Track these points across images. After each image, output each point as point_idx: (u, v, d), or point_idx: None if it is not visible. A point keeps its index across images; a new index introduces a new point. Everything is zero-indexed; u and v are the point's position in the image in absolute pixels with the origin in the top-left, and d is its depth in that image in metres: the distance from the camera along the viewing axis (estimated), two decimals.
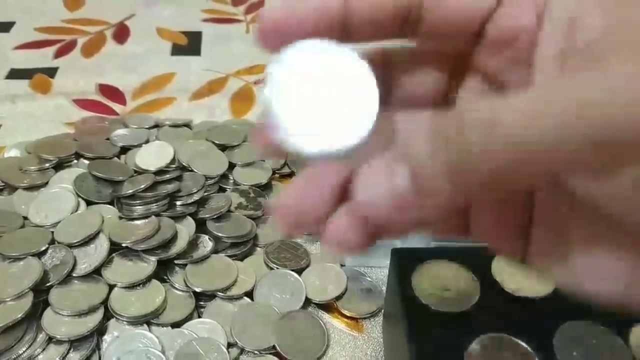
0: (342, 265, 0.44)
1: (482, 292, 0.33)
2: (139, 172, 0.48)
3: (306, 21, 0.18)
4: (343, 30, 0.18)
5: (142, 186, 0.46)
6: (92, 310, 0.39)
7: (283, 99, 0.18)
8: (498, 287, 0.33)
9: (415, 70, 0.21)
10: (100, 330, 0.39)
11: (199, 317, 0.40)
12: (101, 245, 0.42)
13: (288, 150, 0.17)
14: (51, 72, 0.66)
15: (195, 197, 0.46)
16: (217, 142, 0.53)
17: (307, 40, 0.18)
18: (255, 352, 0.38)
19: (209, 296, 0.41)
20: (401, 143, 0.15)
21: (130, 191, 0.45)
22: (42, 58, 0.69)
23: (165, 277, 0.42)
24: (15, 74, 0.66)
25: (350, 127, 0.17)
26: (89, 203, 0.46)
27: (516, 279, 0.33)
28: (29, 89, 0.64)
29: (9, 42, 0.71)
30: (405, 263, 0.34)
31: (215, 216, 0.46)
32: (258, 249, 0.46)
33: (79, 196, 0.46)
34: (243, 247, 0.45)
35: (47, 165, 0.49)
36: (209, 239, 0.44)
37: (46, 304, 0.39)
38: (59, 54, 0.70)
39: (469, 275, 0.33)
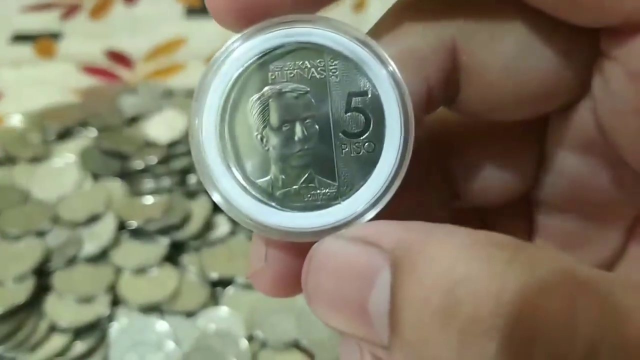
0: None
1: None
2: (150, 144, 0.44)
3: None
4: None
5: (154, 160, 0.42)
6: (98, 295, 0.36)
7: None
8: None
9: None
10: (107, 318, 0.36)
11: (216, 305, 0.37)
12: (108, 225, 0.39)
13: None
14: (56, 35, 0.62)
15: None
16: None
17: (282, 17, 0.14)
18: (277, 345, 0.35)
19: (226, 282, 0.38)
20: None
21: (141, 166, 0.42)
22: (47, 21, 0.65)
23: (178, 261, 0.38)
24: (18, 38, 0.62)
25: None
26: (95, 177, 0.43)
27: None
28: (33, 53, 0.60)
29: (13, 4, 0.67)
30: None
31: None
32: None
33: (85, 170, 0.43)
34: None
35: (51, 135, 0.45)
36: (226, 219, 0.40)
37: (49, 288, 0.36)
38: (64, 16, 0.65)
39: None
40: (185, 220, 0.39)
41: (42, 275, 0.37)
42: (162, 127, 0.46)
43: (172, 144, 0.44)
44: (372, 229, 0.14)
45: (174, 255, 0.39)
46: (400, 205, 0.15)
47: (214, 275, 0.37)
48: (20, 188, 0.42)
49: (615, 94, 0.15)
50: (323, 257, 0.14)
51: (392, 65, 0.15)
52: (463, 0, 0.16)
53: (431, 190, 0.19)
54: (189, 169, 0.42)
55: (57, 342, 0.34)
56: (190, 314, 0.36)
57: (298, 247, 0.15)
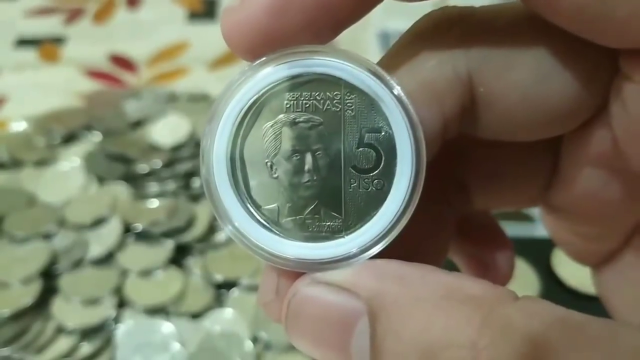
0: None
1: (541, 287, 0.29)
2: (154, 148, 0.45)
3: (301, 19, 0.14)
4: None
5: (158, 164, 0.42)
6: (104, 298, 0.36)
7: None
8: (559, 281, 0.29)
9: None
10: (113, 320, 0.36)
11: (220, 306, 0.37)
12: (114, 228, 0.39)
13: None
14: (60, 40, 0.63)
15: None
16: None
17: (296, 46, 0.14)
18: (282, 347, 0.35)
19: (231, 284, 0.38)
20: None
21: (146, 169, 0.42)
22: (50, 26, 0.65)
23: (183, 263, 0.39)
24: (22, 42, 0.62)
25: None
26: (100, 180, 0.43)
27: (579, 274, 0.29)
28: (37, 58, 0.60)
29: (17, 9, 0.68)
30: None
31: None
32: None
33: (90, 173, 0.43)
34: None
35: (56, 138, 0.46)
36: None
37: (56, 290, 0.37)
38: (68, 21, 0.66)
39: (528, 268, 0.30)
40: (189, 223, 0.40)
41: (49, 278, 0.37)
42: (166, 131, 0.46)
43: (176, 148, 0.45)
44: (349, 275, 0.14)
45: (178, 257, 0.39)
46: (413, 219, 0.15)
47: (219, 277, 0.38)
48: (26, 191, 0.42)
49: (632, 114, 0.15)
50: (301, 303, 0.14)
51: (408, 104, 0.14)
52: (476, 27, 0.16)
53: (443, 200, 0.19)
54: (193, 173, 0.43)
55: (63, 343, 0.35)
56: (195, 316, 0.36)
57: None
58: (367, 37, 0.61)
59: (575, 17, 0.14)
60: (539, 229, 0.33)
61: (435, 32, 0.16)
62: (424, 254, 0.18)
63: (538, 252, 0.30)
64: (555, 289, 0.29)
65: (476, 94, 0.16)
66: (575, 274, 0.30)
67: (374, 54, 0.59)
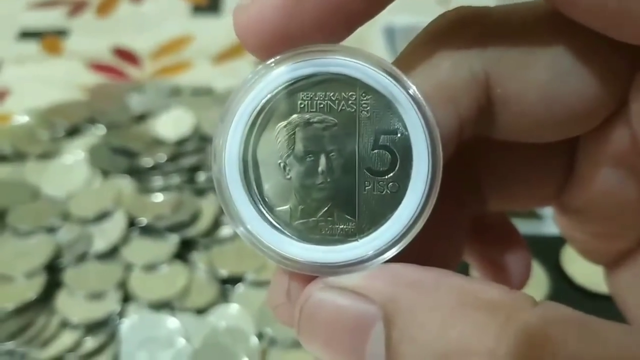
0: None
1: (550, 285, 0.29)
2: (158, 142, 0.44)
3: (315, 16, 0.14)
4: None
5: (163, 158, 0.42)
6: (109, 292, 0.36)
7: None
8: (569, 280, 0.29)
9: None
10: (118, 315, 0.36)
11: (226, 302, 0.37)
12: (118, 222, 0.39)
13: None
14: (63, 32, 0.62)
15: None
16: None
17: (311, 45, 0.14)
18: (287, 343, 0.35)
19: (236, 280, 0.38)
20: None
21: (150, 163, 0.42)
22: (53, 18, 0.64)
23: (188, 258, 0.39)
24: (25, 35, 0.62)
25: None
26: (104, 174, 0.43)
27: (589, 272, 0.29)
28: (40, 50, 0.60)
29: (20, 2, 0.67)
30: None
31: None
32: None
33: (94, 167, 0.43)
34: None
35: (59, 132, 0.45)
36: None
37: (60, 284, 0.37)
38: (71, 13, 0.65)
39: (537, 266, 0.29)
40: (194, 217, 0.39)
41: (53, 272, 0.37)
42: (170, 125, 0.46)
43: (180, 142, 0.44)
44: (363, 280, 0.14)
45: (183, 252, 0.39)
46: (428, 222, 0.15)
47: (224, 272, 0.38)
48: (30, 185, 0.42)
49: None
50: (314, 307, 0.14)
51: (425, 105, 0.14)
52: (492, 27, 0.15)
53: (458, 202, 0.19)
54: (198, 167, 0.43)
55: (68, 338, 0.35)
56: (200, 311, 0.36)
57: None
58: (372, 32, 0.61)
59: (595, 13, 0.13)
60: (548, 227, 0.33)
61: (450, 32, 0.15)
62: (438, 257, 0.18)
63: (547, 250, 0.30)
64: (564, 287, 0.29)
65: (493, 95, 0.15)
66: (584, 272, 0.29)
67: (380, 50, 0.59)
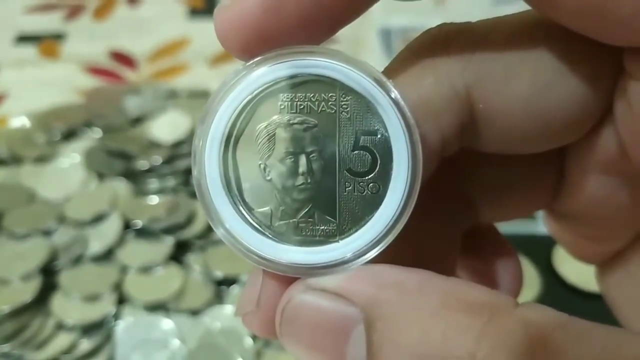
0: None
1: (542, 284, 0.29)
2: (154, 144, 0.45)
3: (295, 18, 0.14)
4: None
5: (158, 160, 0.42)
6: (104, 294, 0.36)
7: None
8: (560, 279, 0.29)
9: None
10: (113, 317, 0.36)
11: (221, 303, 0.37)
12: (114, 224, 0.39)
13: None
14: (60, 36, 0.63)
15: None
16: None
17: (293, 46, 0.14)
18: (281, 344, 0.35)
19: (231, 281, 0.38)
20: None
21: (146, 166, 0.42)
22: (50, 22, 0.65)
23: (183, 260, 0.39)
24: (22, 38, 0.62)
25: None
26: (100, 177, 0.43)
27: (580, 271, 0.29)
28: (37, 54, 0.60)
29: (17, 5, 0.67)
30: None
31: None
32: None
33: (90, 170, 0.43)
34: None
35: (55, 135, 0.46)
36: None
37: (55, 287, 0.37)
38: (68, 17, 0.66)
39: (529, 266, 0.29)
40: (190, 219, 0.40)
41: (49, 274, 0.37)
42: (166, 128, 0.46)
43: (176, 144, 0.44)
44: (344, 281, 0.14)
45: (178, 254, 0.39)
46: (418, 229, 0.15)
47: (219, 274, 0.38)
48: (26, 188, 0.42)
49: (638, 114, 0.14)
50: (295, 309, 0.14)
51: (405, 107, 0.14)
52: (474, 43, 0.15)
53: (449, 218, 0.19)
54: None
55: (63, 340, 0.35)
56: (195, 313, 0.36)
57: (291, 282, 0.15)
58: (368, 34, 0.61)
59: (578, 14, 0.13)
60: (540, 226, 0.33)
61: (432, 48, 0.15)
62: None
63: (539, 250, 0.30)
64: (556, 287, 0.29)
65: (476, 110, 0.15)
66: (576, 271, 0.29)
67: (376, 51, 0.59)
